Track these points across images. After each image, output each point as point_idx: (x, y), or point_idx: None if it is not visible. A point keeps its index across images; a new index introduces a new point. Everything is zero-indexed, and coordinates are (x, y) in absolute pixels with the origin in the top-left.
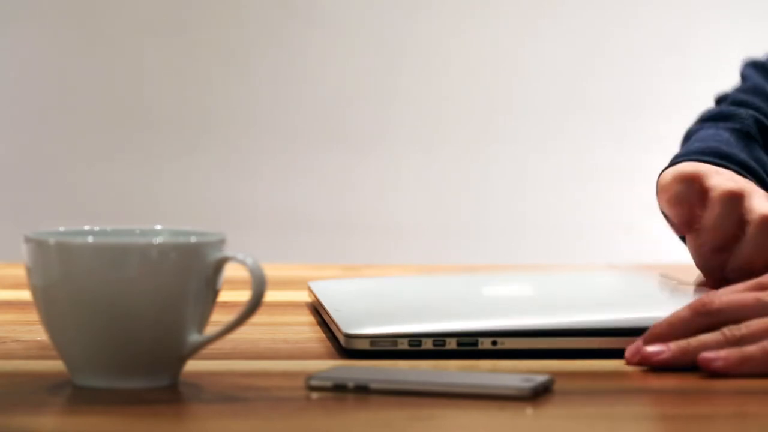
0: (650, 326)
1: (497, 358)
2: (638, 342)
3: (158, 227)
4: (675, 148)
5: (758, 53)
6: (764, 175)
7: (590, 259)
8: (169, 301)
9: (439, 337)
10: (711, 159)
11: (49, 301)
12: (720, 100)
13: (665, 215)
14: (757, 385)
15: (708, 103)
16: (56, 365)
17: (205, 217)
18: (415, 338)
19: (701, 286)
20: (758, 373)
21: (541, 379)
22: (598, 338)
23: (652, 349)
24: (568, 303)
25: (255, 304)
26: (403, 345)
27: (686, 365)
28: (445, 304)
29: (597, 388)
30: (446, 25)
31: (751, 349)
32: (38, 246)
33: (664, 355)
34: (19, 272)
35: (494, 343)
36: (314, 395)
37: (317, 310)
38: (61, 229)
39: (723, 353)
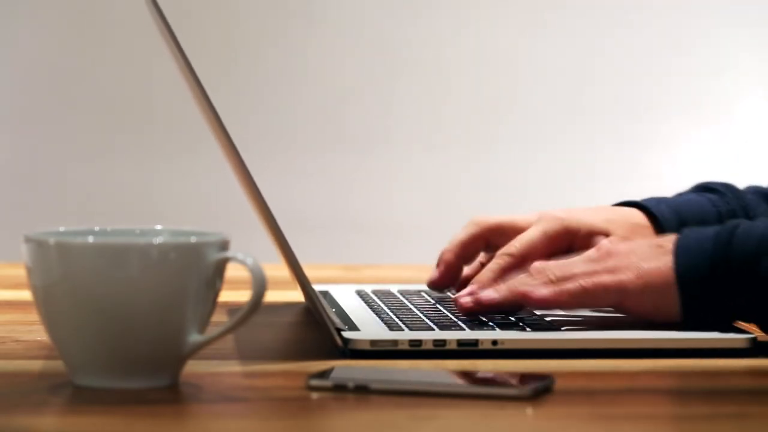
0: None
1: (497, 358)
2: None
3: (158, 227)
4: (675, 149)
5: (758, 53)
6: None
7: None
8: (169, 301)
9: (440, 337)
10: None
11: (49, 301)
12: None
13: None
14: (758, 385)
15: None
16: (56, 365)
17: (205, 217)
18: (416, 338)
19: None
20: (575, 306)
21: (541, 379)
22: (598, 338)
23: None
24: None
25: (255, 304)
26: (404, 345)
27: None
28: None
29: (597, 388)
30: (448, 27)
31: (569, 285)
32: (38, 246)
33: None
34: (19, 272)
35: (494, 343)
36: (314, 395)
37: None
38: (61, 229)
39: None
